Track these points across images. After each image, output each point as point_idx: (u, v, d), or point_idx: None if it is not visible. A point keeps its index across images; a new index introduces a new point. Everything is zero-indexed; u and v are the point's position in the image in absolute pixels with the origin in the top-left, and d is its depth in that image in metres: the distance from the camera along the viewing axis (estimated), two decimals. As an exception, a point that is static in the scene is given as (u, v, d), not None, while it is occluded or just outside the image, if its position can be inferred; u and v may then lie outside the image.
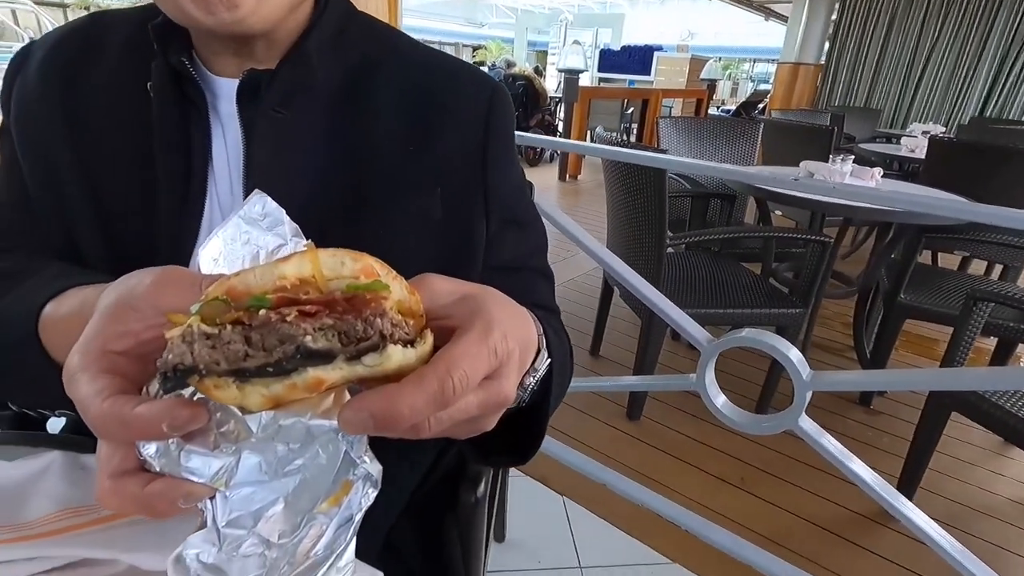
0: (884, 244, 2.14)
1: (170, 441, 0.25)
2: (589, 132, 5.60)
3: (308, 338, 0.22)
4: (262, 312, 0.23)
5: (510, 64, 7.16)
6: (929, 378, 1.18)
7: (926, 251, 2.46)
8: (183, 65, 0.44)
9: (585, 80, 6.22)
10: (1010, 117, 5.61)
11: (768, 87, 9.28)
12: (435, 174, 0.49)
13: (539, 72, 7.52)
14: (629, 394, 1.86)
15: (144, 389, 0.26)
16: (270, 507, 0.27)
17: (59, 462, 0.44)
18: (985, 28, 5.57)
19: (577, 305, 2.69)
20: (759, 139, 2.64)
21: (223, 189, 0.48)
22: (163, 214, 0.46)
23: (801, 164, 2.02)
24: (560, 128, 6.53)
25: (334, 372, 0.22)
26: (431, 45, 0.55)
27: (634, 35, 15.20)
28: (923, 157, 2.67)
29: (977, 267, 2.95)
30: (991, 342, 2.06)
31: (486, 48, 14.66)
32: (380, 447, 0.29)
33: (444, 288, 0.28)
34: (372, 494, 0.28)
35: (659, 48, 11.84)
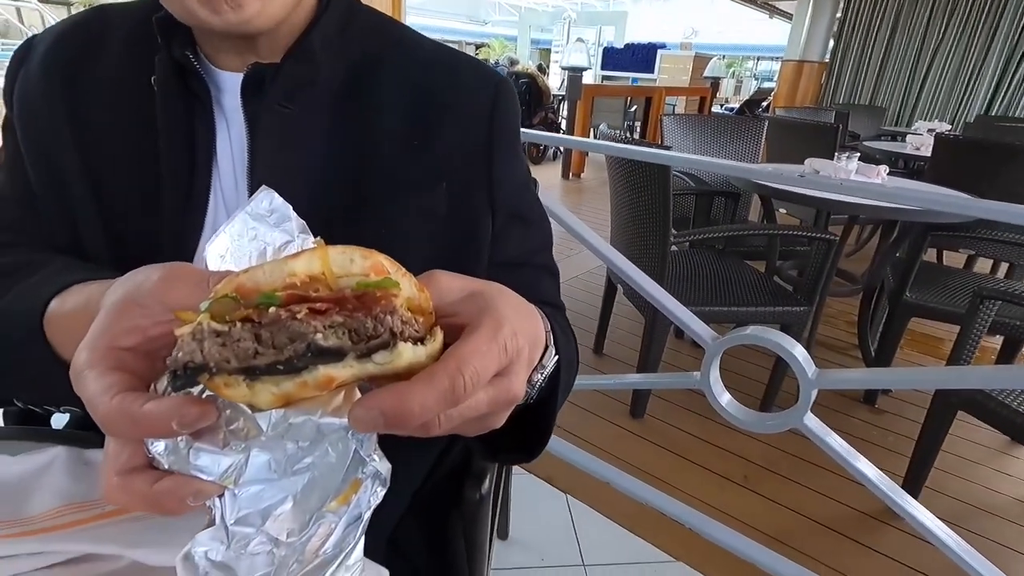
0: (889, 242, 2.13)
1: (179, 439, 0.25)
2: (592, 130, 5.58)
3: (319, 336, 0.22)
4: (272, 310, 0.22)
5: (513, 62, 7.15)
6: (935, 376, 1.18)
7: (931, 249, 2.45)
8: (187, 59, 0.44)
9: (588, 78, 6.21)
10: (1016, 115, 5.57)
11: (772, 85, 9.24)
12: (437, 171, 0.49)
13: (542, 70, 7.52)
14: (633, 392, 1.86)
15: (152, 386, 0.26)
16: (279, 505, 0.27)
17: (63, 457, 0.44)
18: (991, 25, 5.53)
19: (581, 303, 2.69)
20: (763, 137, 2.63)
21: (227, 184, 0.47)
22: (167, 211, 0.46)
23: (806, 162, 2.01)
24: (563, 126, 6.52)
25: (344, 370, 0.22)
26: (435, 41, 0.55)
27: (637, 33, 15.16)
28: (928, 155, 2.65)
29: (983, 266, 2.94)
30: (997, 341, 2.05)
31: (489, 46, 14.63)
32: (383, 445, 0.29)
33: (452, 285, 0.28)
34: (381, 492, 0.28)
35: (662, 46, 11.81)
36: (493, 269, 0.53)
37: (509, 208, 0.53)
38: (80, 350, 0.25)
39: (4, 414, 0.58)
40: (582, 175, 5.92)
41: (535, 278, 0.57)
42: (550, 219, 0.61)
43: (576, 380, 0.51)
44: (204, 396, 0.25)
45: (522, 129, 0.58)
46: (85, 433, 0.49)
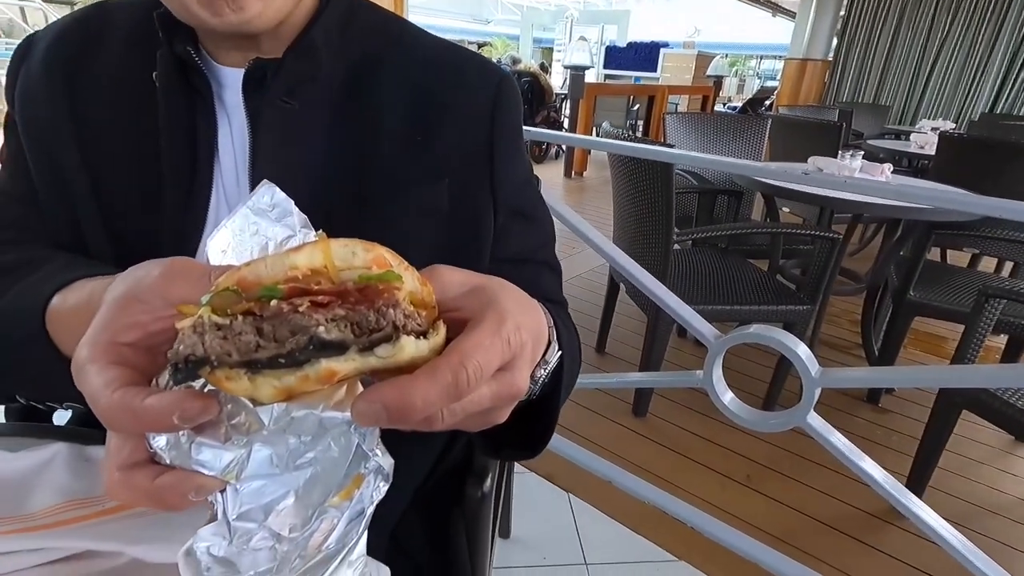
0: (893, 241, 2.12)
1: (180, 433, 0.25)
2: (595, 129, 5.58)
3: (321, 329, 0.22)
4: (274, 303, 0.22)
5: (516, 61, 7.14)
6: (939, 375, 1.17)
7: (935, 248, 2.44)
8: (188, 54, 0.44)
9: (591, 77, 6.20)
10: (1021, 113, 5.55)
11: (775, 84, 9.22)
12: (438, 170, 0.49)
13: (545, 69, 7.51)
14: (635, 391, 1.85)
15: (154, 381, 0.25)
16: (281, 500, 0.26)
17: (64, 454, 0.44)
18: (996, 22, 5.50)
19: (583, 302, 2.68)
20: (766, 135, 2.63)
21: (229, 181, 0.47)
22: (168, 208, 0.46)
23: (809, 160, 2.00)
24: (566, 125, 6.51)
25: (347, 363, 0.22)
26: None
27: (640, 31, 15.13)
28: (933, 153, 2.64)
29: (987, 264, 2.93)
30: (1001, 340, 2.04)
31: (492, 45, 14.62)
32: (385, 440, 0.29)
33: (455, 279, 0.27)
34: (383, 488, 0.28)
35: (665, 45, 11.79)
36: (495, 265, 0.52)
37: (511, 205, 0.53)
38: (81, 345, 0.25)
39: (6, 411, 0.58)
40: (584, 174, 5.92)
41: (537, 274, 0.57)
42: (552, 217, 0.60)
43: (578, 378, 0.51)
44: (206, 390, 0.24)
45: (525, 127, 0.58)
46: (86, 430, 0.48)
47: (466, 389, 0.23)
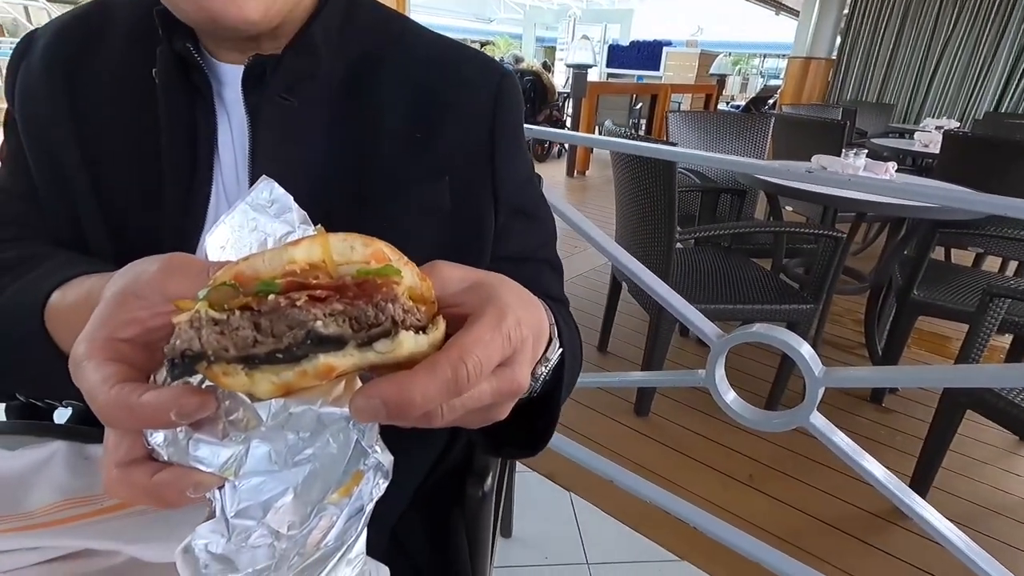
0: (897, 240, 2.11)
1: (178, 430, 0.25)
2: (597, 127, 5.57)
3: (318, 323, 0.21)
4: (271, 297, 0.22)
5: (518, 60, 7.14)
6: (944, 375, 1.16)
7: (939, 247, 2.42)
8: (188, 51, 0.44)
9: (593, 75, 6.19)
10: (1026, 112, 5.52)
11: (778, 82, 9.19)
12: (439, 169, 0.48)
13: (547, 68, 7.49)
14: (637, 390, 1.85)
15: (151, 377, 0.25)
16: (279, 498, 0.26)
17: (63, 452, 0.44)
18: (1002, 20, 5.47)
19: (585, 301, 2.68)
20: (769, 134, 2.61)
21: (229, 178, 0.47)
22: (168, 205, 0.45)
23: (813, 159, 1.99)
24: (568, 124, 6.51)
25: (345, 359, 0.22)
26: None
27: (643, 30, 15.11)
28: (937, 152, 2.63)
29: (991, 264, 2.91)
30: (1006, 340, 2.03)
31: (494, 44, 14.61)
32: (384, 436, 0.29)
33: (455, 275, 0.27)
34: (383, 485, 0.28)
35: (668, 43, 11.77)
36: (496, 263, 0.52)
37: (512, 204, 0.53)
38: (79, 342, 0.25)
39: (6, 408, 0.58)
40: (587, 173, 5.91)
41: (538, 273, 0.56)
42: (554, 216, 0.60)
43: (580, 377, 0.51)
44: (203, 386, 0.24)
45: (527, 125, 0.58)
46: (86, 428, 0.48)
47: (466, 385, 0.23)
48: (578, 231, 1.11)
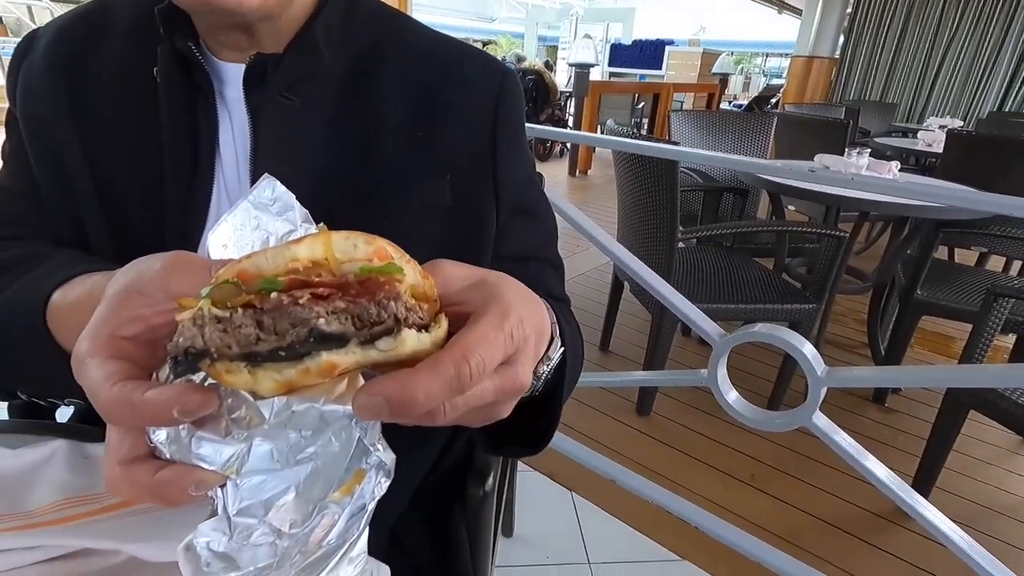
0: (900, 239, 2.10)
1: (181, 427, 0.25)
2: (599, 127, 5.56)
3: (321, 321, 0.21)
4: (274, 295, 0.22)
5: (520, 59, 7.13)
6: (947, 375, 1.16)
7: (942, 247, 2.42)
8: (189, 50, 0.44)
9: (596, 75, 6.19)
10: (1031, 111, 5.50)
11: (781, 82, 9.16)
12: (441, 167, 0.49)
13: (549, 67, 7.48)
14: (639, 389, 1.85)
15: (154, 375, 0.25)
16: (281, 496, 0.26)
17: (63, 451, 0.44)
18: (1006, 19, 5.45)
19: (587, 300, 2.68)
20: (772, 133, 2.61)
21: (230, 177, 0.47)
22: (170, 203, 0.46)
23: (816, 158, 1.98)
24: (570, 123, 6.50)
25: (347, 356, 0.22)
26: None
27: (645, 29, 15.09)
28: (940, 151, 2.62)
29: (995, 263, 2.90)
30: (1010, 339, 2.02)
31: (496, 43, 14.60)
32: (385, 436, 0.29)
33: (457, 273, 0.27)
34: (385, 483, 0.28)
35: (670, 42, 11.75)
36: (497, 262, 0.52)
37: (514, 202, 0.53)
38: (81, 339, 0.24)
39: (8, 407, 0.58)
40: (589, 172, 5.90)
41: (539, 272, 0.56)
42: (556, 215, 0.60)
43: (582, 377, 0.51)
44: (206, 384, 0.24)
45: (529, 125, 0.58)
46: (86, 427, 0.48)
47: (469, 383, 0.23)
48: (580, 230, 1.11)
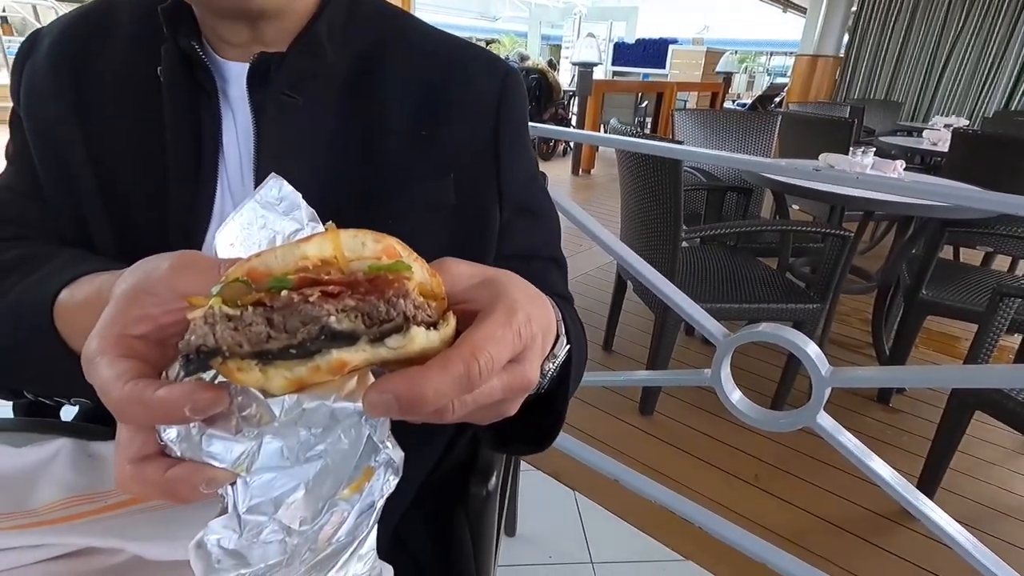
0: (905, 239, 2.09)
1: (191, 425, 0.25)
2: (603, 126, 5.56)
3: (331, 319, 0.21)
4: (284, 293, 0.22)
5: (523, 58, 7.11)
6: (952, 375, 1.16)
7: (948, 246, 2.40)
8: (193, 49, 0.44)
9: (599, 73, 6.18)
10: (1037, 110, 5.46)
11: (785, 80, 9.14)
12: (445, 166, 0.49)
13: (552, 66, 7.47)
14: (642, 389, 1.85)
15: (164, 373, 0.25)
16: (291, 493, 0.26)
17: (67, 449, 0.44)
18: (1012, 17, 5.41)
19: (590, 300, 2.68)
20: (776, 132, 2.60)
21: (234, 176, 0.47)
22: (174, 202, 0.46)
23: (820, 157, 1.98)
24: (574, 122, 6.49)
25: (357, 354, 0.22)
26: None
27: (649, 28, 15.07)
28: (946, 150, 2.61)
29: (1001, 263, 2.89)
30: (1015, 340, 2.01)
31: (499, 42, 14.59)
32: (394, 434, 0.29)
33: (464, 272, 0.27)
34: (393, 481, 0.28)
35: (674, 41, 11.73)
36: (501, 261, 0.52)
37: (517, 201, 0.53)
38: (91, 338, 0.25)
39: (14, 406, 0.59)
40: (592, 171, 5.90)
41: (543, 270, 0.56)
42: (560, 214, 0.60)
43: (585, 376, 0.51)
44: (216, 382, 0.24)
45: (532, 124, 0.58)
46: (91, 425, 0.49)
47: (478, 380, 0.23)
48: (583, 230, 1.11)
